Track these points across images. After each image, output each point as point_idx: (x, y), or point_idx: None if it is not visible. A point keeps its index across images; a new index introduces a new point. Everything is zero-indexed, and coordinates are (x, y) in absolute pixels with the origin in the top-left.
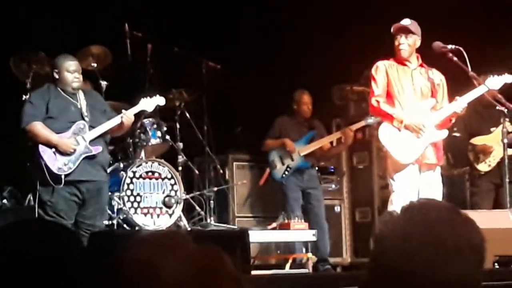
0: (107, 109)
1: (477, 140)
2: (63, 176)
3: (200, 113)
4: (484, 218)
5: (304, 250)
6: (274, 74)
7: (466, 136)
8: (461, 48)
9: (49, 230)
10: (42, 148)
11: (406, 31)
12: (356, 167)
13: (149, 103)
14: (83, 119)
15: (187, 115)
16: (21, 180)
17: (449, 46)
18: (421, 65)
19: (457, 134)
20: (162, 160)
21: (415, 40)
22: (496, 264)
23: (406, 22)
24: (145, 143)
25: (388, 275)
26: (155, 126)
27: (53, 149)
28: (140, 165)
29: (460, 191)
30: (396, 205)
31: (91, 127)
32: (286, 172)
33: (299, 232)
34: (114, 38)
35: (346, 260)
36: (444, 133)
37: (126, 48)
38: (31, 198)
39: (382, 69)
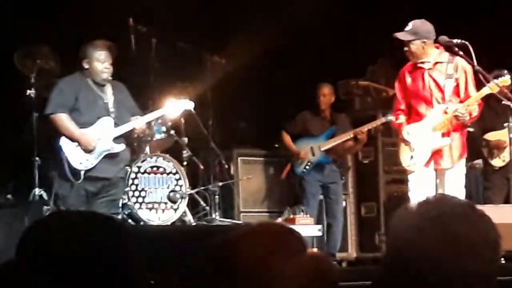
0: (132, 105)
1: (491, 136)
2: (82, 172)
3: (204, 108)
4: (495, 213)
5: (307, 242)
6: (279, 69)
7: (479, 131)
8: (466, 43)
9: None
10: (63, 141)
11: (404, 41)
12: (362, 162)
13: (175, 107)
14: (109, 115)
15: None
16: (25, 174)
17: (455, 41)
18: (438, 62)
19: (471, 129)
20: (167, 155)
21: (419, 44)
22: (502, 259)
23: (407, 28)
24: (149, 138)
25: (402, 270)
26: (159, 121)
27: (75, 143)
28: (145, 160)
29: (468, 185)
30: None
31: (116, 124)
32: (307, 167)
33: (305, 227)
34: (119, 33)
35: (352, 255)
36: (446, 140)
37: (130, 43)
38: (36, 192)
39: (401, 79)
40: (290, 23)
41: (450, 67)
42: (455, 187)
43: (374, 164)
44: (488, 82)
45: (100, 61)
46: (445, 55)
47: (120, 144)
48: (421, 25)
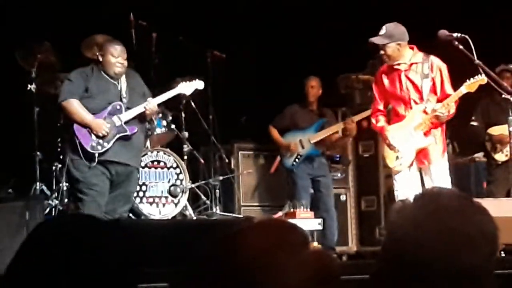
0: (146, 92)
1: (495, 130)
2: (96, 155)
3: (205, 102)
4: (496, 206)
5: (310, 239)
6: (280, 63)
7: (483, 125)
8: (466, 36)
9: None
10: (76, 126)
11: (379, 44)
12: (362, 156)
13: (187, 87)
14: (121, 100)
15: (192, 104)
16: (26, 169)
17: (455, 34)
18: (414, 63)
19: (475, 123)
20: (168, 149)
21: (394, 46)
22: (502, 252)
23: (381, 32)
24: (150, 132)
25: (399, 264)
26: (160, 115)
27: (88, 128)
28: (146, 154)
29: (465, 179)
30: None
31: (128, 108)
32: (297, 160)
33: (305, 221)
34: (119, 27)
35: (352, 248)
36: (430, 139)
37: (131, 37)
38: (37, 187)
39: (378, 81)
40: (290, 17)
41: (425, 67)
42: (442, 182)
43: (375, 157)
44: (489, 77)
45: (114, 56)
46: (420, 55)
47: (132, 126)
48: (395, 27)
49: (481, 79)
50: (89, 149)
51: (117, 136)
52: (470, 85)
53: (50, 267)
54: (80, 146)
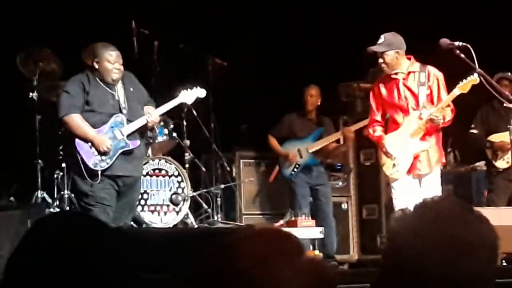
0: (144, 94)
1: (495, 137)
2: (99, 172)
3: (206, 110)
4: (496, 215)
5: (311, 247)
6: (281, 71)
7: (483, 133)
8: (468, 45)
9: (76, 221)
10: (78, 143)
11: (378, 53)
12: (363, 164)
13: (189, 95)
14: (120, 111)
15: (194, 112)
16: (28, 177)
17: (456, 43)
18: (411, 72)
19: (475, 131)
20: (169, 158)
21: (393, 54)
22: (504, 261)
23: (379, 41)
24: (152, 141)
25: (400, 272)
26: (162, 123)
27: (90, 144)
28: (147, 162)
29: (466, 188)
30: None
31: (129, 120)
32: (295, 169)
33: (306, 229)
34: (121, 35)
35: (353, 257)
36: (426, 144)
37: (133, 45)
38: (38, 195)
39: (375, 91)
40: (292, 25)
41: (422, 76)
42: (434, 191)
43: (376, 166)
44: (490, 84)
45: (111, 62)
46: (417, 65)
47: (134, 140)
48: (393, 36)
49: (473, 79)
50: (91, 166)
51: (120, 151)
52: (463, 86)
53: (47, 267)
54: (82, 163)
